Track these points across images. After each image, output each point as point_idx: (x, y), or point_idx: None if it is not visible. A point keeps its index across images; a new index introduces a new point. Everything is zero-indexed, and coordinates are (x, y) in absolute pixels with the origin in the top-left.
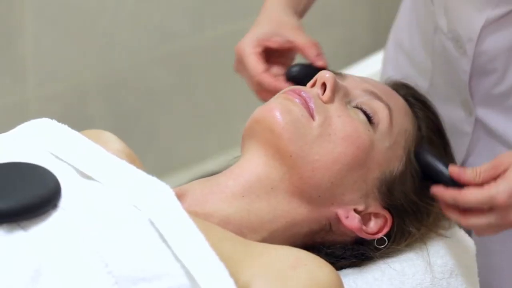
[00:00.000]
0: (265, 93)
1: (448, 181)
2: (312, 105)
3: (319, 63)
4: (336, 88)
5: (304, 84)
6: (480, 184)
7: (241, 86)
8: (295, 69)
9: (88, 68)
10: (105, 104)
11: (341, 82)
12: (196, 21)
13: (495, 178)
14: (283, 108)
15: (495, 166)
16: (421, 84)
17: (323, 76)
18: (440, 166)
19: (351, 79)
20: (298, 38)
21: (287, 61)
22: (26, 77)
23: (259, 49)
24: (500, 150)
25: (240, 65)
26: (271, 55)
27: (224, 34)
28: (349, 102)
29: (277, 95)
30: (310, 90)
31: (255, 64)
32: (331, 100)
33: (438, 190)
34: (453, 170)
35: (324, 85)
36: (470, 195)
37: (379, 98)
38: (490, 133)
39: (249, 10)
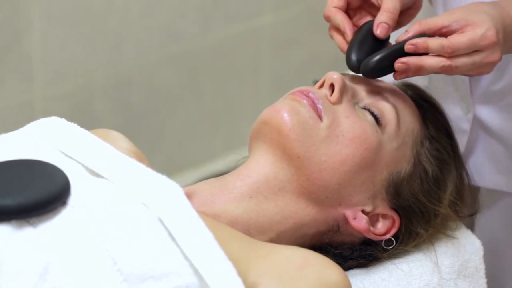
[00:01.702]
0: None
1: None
2: (320, 106)
3: (376, 31)
4: (344, 89)
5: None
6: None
7: (248, 86)
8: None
9: (96, 68)
10: (113, 104)
11: (349, 83)
12: (205, 21)
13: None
14: (291, 109)
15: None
16: (420, 82)
17: (331, 77)
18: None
19: (358, 80)
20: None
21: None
22: (34, 77)
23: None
24: (497, 148)
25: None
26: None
27: (232, 34)
28: (357, 103)
29: (285, 96)
30: (318, 91)
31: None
32: (339, 101)
33: (421, 40)
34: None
35: (332, 86)
36: (457, 39)
37: (387, 99)
38: (488, 131)
39: (257, 11)
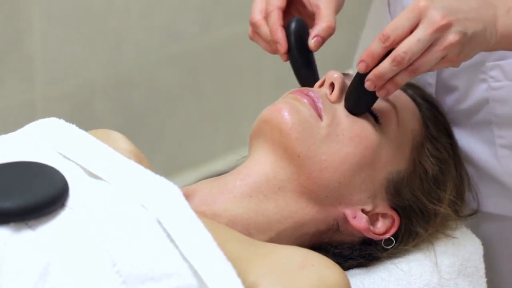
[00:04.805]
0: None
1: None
2: (320, 105)
3: (310, 43)
4: (344, 88)
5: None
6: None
7: (249, 86)
8: (293, 26)
9: (96, 68)
10: (113, 104)
11: (349, 82)
12: (205, 21)
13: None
14: (291, 108)
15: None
16: None
17: (332, 76)
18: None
19: None
20: (324, 8)
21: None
22: (34, 77)
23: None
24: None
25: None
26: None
27: (233, 34)
28: None
29: (285, 95)
30: (318, 90)
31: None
32: (339, 100)
33: (368, 52)
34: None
35: (332, 85)
36: (393, 22)
37: (387, 99)
38: None
39: None
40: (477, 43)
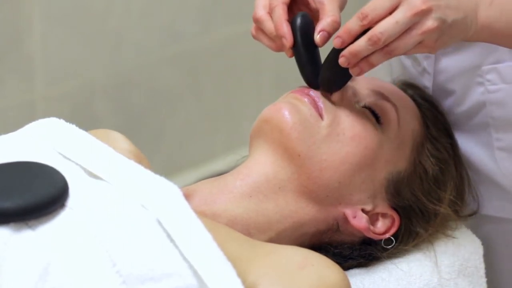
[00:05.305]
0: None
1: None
2: (320, 104)
3: (316, 38)
4: (344, 88)
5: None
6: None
7: (249, 86)
8: (299, 21)
9: (96, 68)
10: (113, 104)
11: (349, 82)
12: (205, 21)
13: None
14: (292, 108)
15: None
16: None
17: None
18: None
19: (359, 79)
20: (328, 4)
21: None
22: (34, 77)
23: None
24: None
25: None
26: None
27: (233, 34)
28: (357, 102)
29: (286, 94)
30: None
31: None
32: (339, 99)
33: (345, 29)
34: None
35: None
36: (373, 1)
37: (387, 98)
38: None
39: None
40: (456, 31)
